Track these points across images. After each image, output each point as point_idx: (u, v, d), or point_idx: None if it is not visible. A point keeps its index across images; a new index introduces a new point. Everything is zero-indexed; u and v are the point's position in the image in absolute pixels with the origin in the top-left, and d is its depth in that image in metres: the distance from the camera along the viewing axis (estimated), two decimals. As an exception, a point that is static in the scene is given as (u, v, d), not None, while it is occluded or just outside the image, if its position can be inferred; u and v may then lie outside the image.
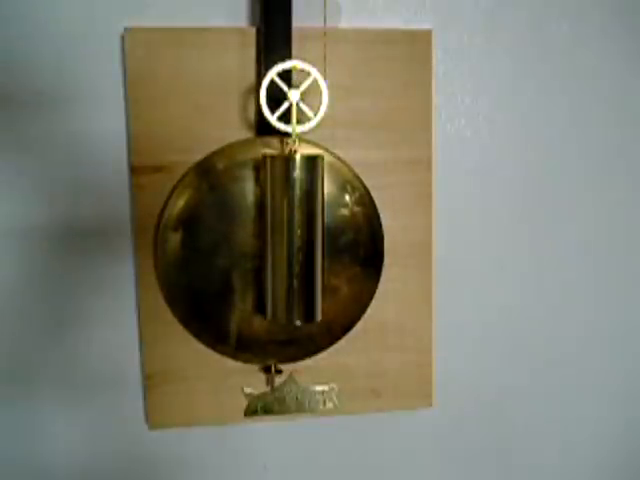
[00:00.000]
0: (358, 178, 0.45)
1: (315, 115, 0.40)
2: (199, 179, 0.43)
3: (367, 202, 0.45)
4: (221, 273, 0.43)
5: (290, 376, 0.46)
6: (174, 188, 0.43)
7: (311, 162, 0.40)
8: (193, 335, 0.44)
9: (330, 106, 0.41)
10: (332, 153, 0.44)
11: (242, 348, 0.45)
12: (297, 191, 0.39)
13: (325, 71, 0.42)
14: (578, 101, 0.50)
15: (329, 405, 0.47)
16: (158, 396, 0.45)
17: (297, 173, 0.39)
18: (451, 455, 0.53)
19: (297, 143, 0.40)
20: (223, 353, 0.45)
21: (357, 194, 0.45)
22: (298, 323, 0.41)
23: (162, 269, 0.43)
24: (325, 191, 0.43)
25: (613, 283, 0.53)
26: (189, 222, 0.43)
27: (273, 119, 0.40)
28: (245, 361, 0.45)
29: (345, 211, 0.44)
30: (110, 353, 0.46)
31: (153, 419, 0.46)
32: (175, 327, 0.45)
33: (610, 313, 0.53)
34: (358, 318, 0.46)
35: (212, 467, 0.49)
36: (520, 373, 0.52)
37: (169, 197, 0.43)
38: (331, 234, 0.44)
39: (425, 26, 0.47)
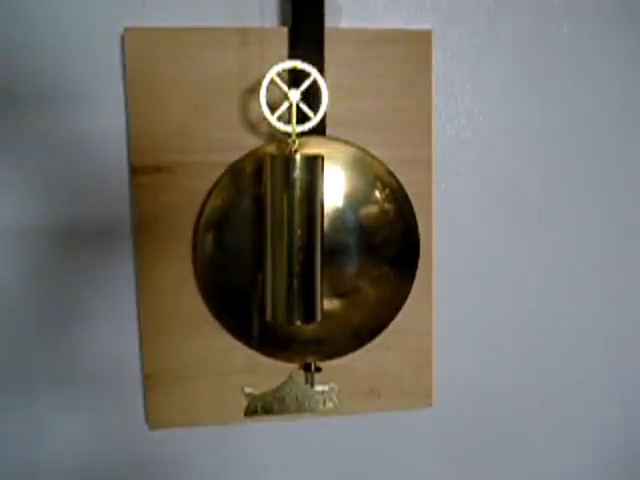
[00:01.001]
0: (390, 174, 0.45)
1: (315, 115, 0.40)
2: (232, 181, 0.43)
3: (399, 198, 0.45)
4: (251, 272, 0.44)
5: (290, 376, 0.46)
6: (211, 190, 0.43)
7: (311, 162, 0.40)
8: (229, 331, 0.45)
9: (330, 106, 0.41)
10: (362, 149, 0.44)
11: (269, 345, 0.45)
12: (297, 191, 0.39)
13: (325, 71, 0.42)
14: (578, 101, 0.50)
15: (329, 405, 0.47)
16: (158, 396, 0.45)
17: (297, 173, 0.39)
18: (451, 455, 0.53)
19: (297, 143, 0.40)
20: (260, 352, 0.45)
21: (388, 190, 0.44)
22: (298, 323, 0.41)
23: (200, 268, 0.44)
24: (353, 188, 0.43)
25: (613, 283, 0.53)
26: (224, 223, 0.43)
27: (273, 119, 0.40)
28: (285, 360, 0.45)
29: (375, 208, 0.44)
30: (110, 353, 0.46)
31: (153, 419, 0.46)
32: (175, 327, 0.45)
33: (611, 313, 0.53)
34: (391, 320, 0.46)
35: (212, 467, 0.49)
36: (520, 373, 0.52)
37: (206, 199, 0.43)
38: (362, 233, 0.44)
39: (425, 26, 0.47)
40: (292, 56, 0.42)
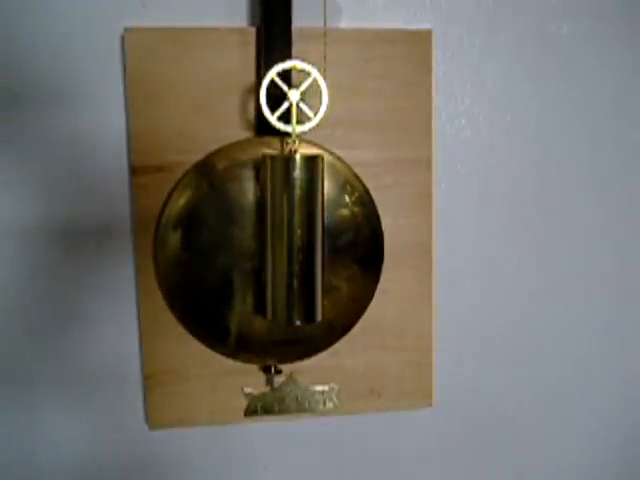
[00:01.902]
0: (358, 178, 0.45)
1: (315, 115, 0.40)
2: (199, 179, 0.43)
3: (367, 202, 0.45)
4: (221, 273, 0.43)
5: (290, 376, 0.46)
6: (174, 188, 0.43)
7: (311, 162, 0.40)
8: (192, 335, 0.44)
9: (330, 106, 0.41)
10: (332, 153, 0.44)
11: (242, 348, 0.45)
12: (297, 191, 0.39)
13: (325, 71, 0.42)
14: (578, 101, 0.50)
15: (329, 405, 0.47)
16: (158, 396, 0.45)
17: (297, 173, 0.39)
18: (451, 455, 0.53)
19: (297, 143, 0.40)
20: (222, 353, 0.45)
21: (357, 194, 0.45)
22: (298, 323, 0.41)
23: (162, 269, 0.43)
24: (325, 191, 0.43)
25: (614, 282, 0.53)
26: (189, 222, 0.43)
27: (273, 119, 0.40)
28: (245, 361, 0.45)
29: (345, 211, 0.44)
30: (110, 353, 0.46)
31: (153, 419, 0.46)
32: (175, 327, 0.45)
33: (611, 313, 0.53)
34: (358, 318, 0.46)
35: (212, 467, 0.49)
36: (520, 373, 0.52)
37: (169, 197, 0.43)
38: (331, 234, 0.44)
39: (425, 26, 0.47)
40: (260, 56, 0.42)
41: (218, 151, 0.43)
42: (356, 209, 0.45)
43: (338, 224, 0.44)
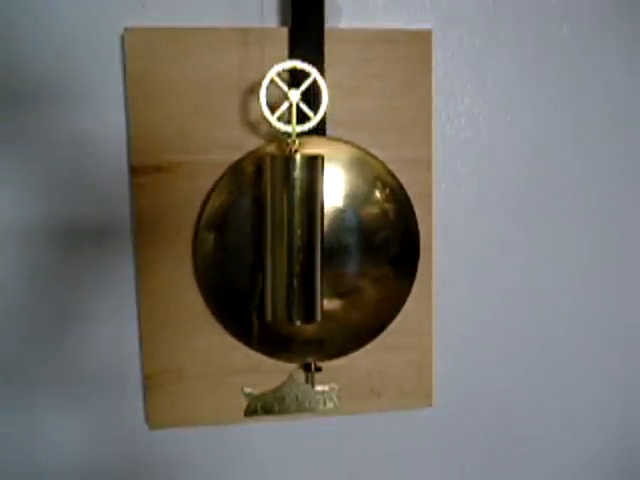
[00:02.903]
0: (390, 174, 0.45)
1: (315, 115, 0.40)
2: (233, 181, 0.43)
3: (401, 198, 0.45)
4: (252, 272, 0.44)
5: (290, 376, 0.46)
6: (211, 190, 0.43)
7: (311, 162, 0.40)
8: (229, 333, 0.45)
9: (330, 106, 0.41)
10: (362, 149, 0.44)
11: (269, 345, 0.45)
12: (297, 191, 0.39)
13: (325, 71, 0.42)
14: (578, 101, 0.50)
15: (329, 405, 0.47)
16: (158, 396, 0.45)
17: (297, 173, 0.39)
18: (451, 455, 0.53)
19: (297, 143, 0.41)
20: (253, 349, 0.45)
21: (387, 190, 0.44)
22: (298, 323, 0.41)
23: (200, 267, 0.44)
24: (354, 188, 0.43)
25: (614, 282, 0.53)
26: (224, 223, 0.43)
27: (273, 119, 0.40)
28: (286, 360, 0.45)
29: (374, 208, 0.44)
30: (110, 353, 0.46)
31: (153, 419, 0.46)
32: (175, 327, 0.45)
33: (611, 312, 0.53)
34: (391, 319, 0.46)
35: (212, 467, 0.49)
36: (520, 373, 0.52)
37: (207, 198, 0.43)
38: (362, 233, 0.44)
39: (425, 26, 0.47)
40: (292, 56, 0.42)
41: (252, 153, 0.43)
42: (388, 205, 0.44)
43: (368, 222, 0.44)
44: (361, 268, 0.44)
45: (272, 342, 0.45)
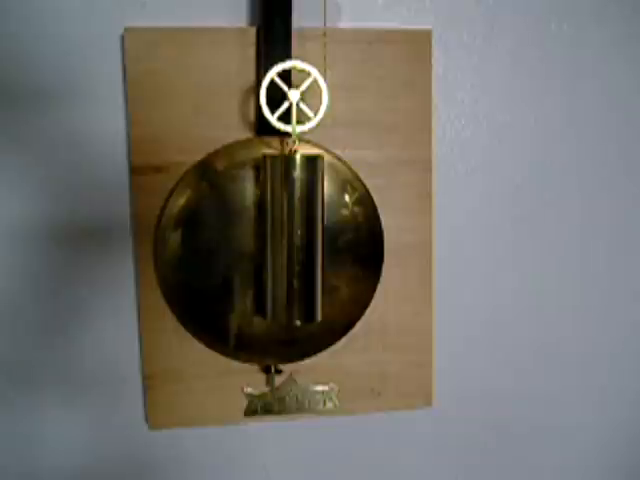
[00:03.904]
0: (358, 178, 0.45)
1: (315, 115, 0.40)
2: (199, 179, 0.43)
3: (367, 202, 0.45)
4: (220, 273, 0.43)
5: (290, 376, 0.46)
6: (174, 188, 0.43)
7: (311, 162, 0.40)
8: (192, 335, 0.44)
9: (330, 106, 0.41)
10: (332, 153, 0.44)
11: (241, 348, 0.45)
12: (297, 191, 0.39)
13: (325, 71, 0.42)
14: (578, 101, 0.50)
15: (329, 405, 0.47)
16: (158, 396, 0.45)
17: (297, 173, 0.39)
18: (451, 455, 0.53)
19: (297, 143, 0.40)
20: (222, 353, 0.45)
21: (357, 194, 0.45)
22: (298, 323, 0.41)
23: (162, 268, 0.43)
24: (325, 191, 0.43)
25: (614, 282, 0.53)
26: (189, 222, 0.43)
27: (273, 119, 0.40)
28: (245, 361, 0.45)
29: (345, 211, 0.44)
30: (110, 353, 0.46)
31: (153, 419, 0.46)
32: (175, 327, 0.45)
33: (611, 312, 0.53)
34: (358, 318, 0.46)
35: (212, 467, 0.49)
36: (520, 373, 0.52)
37: (169, 196, 0.43)
38: (331, 234, 0.44)
39: (425, 26, 0.47)
40: (260, 56, 0.42)
41: (218, 151, 0.43)
42: (356, 209, 0.45)
43: (338, 224, 0.44)
44: (332, 268, 0.44)
45: (244, 344, 0.45)
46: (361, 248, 0.45)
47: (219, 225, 0.43)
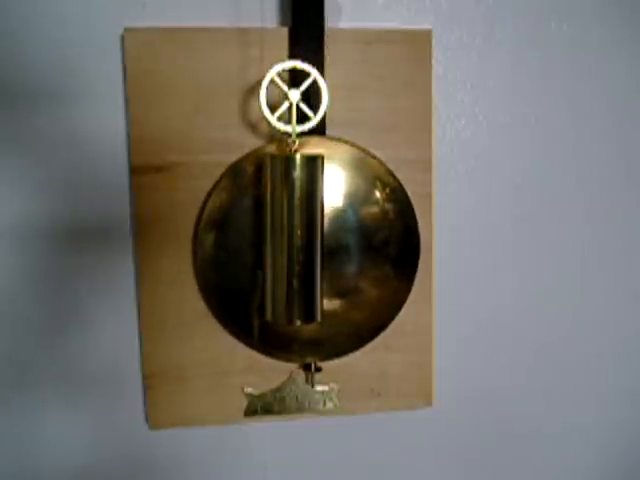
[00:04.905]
0: (391, 173, 0.45)
1: (315, 115, 0.40)
2: (233, 181, 0.43)
3: (400, 198, 0.45)
4: (251, 272, 0.44)
5: (290, 376, 0.46)
6: (211, 190, 0.43)
7: (311, 162, 0.40)
8: (229, 333, 0.45)
9: (330, 106, 0.41)
10: (362, 149, 0.44)
11: (270, 345, 0.45)
12: (297, 191, 0.39)
13: (325, 71, 0.42)
14: (578, 101, 0.50)
15: (329, 405, 0.47)
16: (158, 396, 0.45)
17: (297, 173, 0.39)
18: (451, 455, 0.53)
19: (297, 143, 0.40)
20: (253, 348, 0.45)
21: (388, 190, 0.44)
22: (298, 323, 0.41)
23: (200, 267, 0.44)
24: (354, 188, 0.43)
25: (614, 282, 0.53)
26: (224, 223, 0.43)
27: (273, 119, 0.40)
28: (285, 360, 0.45)
29: (374, 208, 0.44)
30: (110, 353, 0.46)
31: (153, 419, 0.46)
32: (175, 327, 0.45)
33: (611, 312, 0.53)
34: (391, 320, 0.46)
35: (212, 467, 0.49)
36: (520, 373, 0.52)
37: (206, 199, 0.43)
38: (362, 233, 0.44)
39: (425, 26, 0.47)
40: (292, 56, 0.42)
41: (252, 153, 0.43)
42: (387, 205, 0.44)
43: (368, 222, 0.44)
44: (361, 268, 0.44)
45: (272, 342, 0.45)
46: (394, 247, 0.44)
47: (250, 226, 0.43)
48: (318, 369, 0.46)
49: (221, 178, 0.43)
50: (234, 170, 0.43)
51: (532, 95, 0.49)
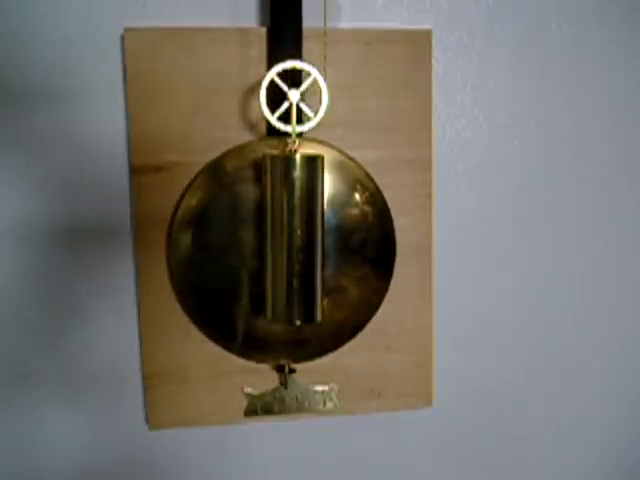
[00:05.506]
0: (369, 177, 0.45)
1: (315, 115, 0.40)
2: (210, 179, 0.43)
3: (378, 201, 0.45)
4: (230, 272, 0.43)
5: (290, 376, 0.46)
6: (187, 188, 0.43)
7: (311, 162, 0.40)
8: (204, 334, 0.44)
9: (330, 106, 0.41)
10: (343, 152, 0.44)
11: (250, 347, 0.45)
12: (297, 191, 0.39)
13: (325, 71, 0.42)
14: (578, 101, 0.50)
15: (329, 405, 0.47)
16: (158, 396, 0.45)
17: (297, 173, 0.39)
18: (451, 455, 0.53)
19: (297, 143, 0.40)
20: (234, 352, 0.45)
21: (367, 193, 0.44)
22: (298, 323, 0.41)
23: (174, 268, 0.43)
24: (334, 190, 0.43)
25: (614, 282, 0.53)
26: (201, 222, 0.43)
27: (273, 119, 0.40)
28: (259, 361, 0.45)
29: (355, 210, 0.44)
30: (110, 353, 0.46)
31: (153, 419, 0.46)
32: (175, 327, 0.45)
33: (611, 312, 0.53)
34: (369, 319, 0.46)
35: (212, 467, 0.49)
36: (520, 373, 0.52)
37: (181, 197, 0.43)
38: (341, 234, 0.44)
39: (425, 26, 0.47)
40: (271, 56, 0.42)
41: (229, 152, 0.43)
42: (367, 208, 0.44)
43: (348, 224, 0.44)
44: (342, 268, 0.44)
45: (252, 343, 0.45)
46: (372, 248, 0.45)
47: (230, 226, 0.43)
48: (292, 370, 0.46)
49: (196, 177, 0.43)
50: (210, 168, 0.43)
51: (532, 96, 0.49)
